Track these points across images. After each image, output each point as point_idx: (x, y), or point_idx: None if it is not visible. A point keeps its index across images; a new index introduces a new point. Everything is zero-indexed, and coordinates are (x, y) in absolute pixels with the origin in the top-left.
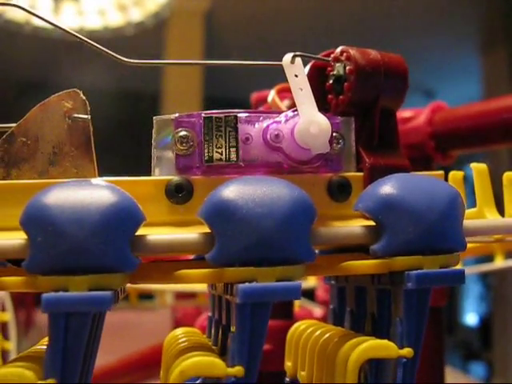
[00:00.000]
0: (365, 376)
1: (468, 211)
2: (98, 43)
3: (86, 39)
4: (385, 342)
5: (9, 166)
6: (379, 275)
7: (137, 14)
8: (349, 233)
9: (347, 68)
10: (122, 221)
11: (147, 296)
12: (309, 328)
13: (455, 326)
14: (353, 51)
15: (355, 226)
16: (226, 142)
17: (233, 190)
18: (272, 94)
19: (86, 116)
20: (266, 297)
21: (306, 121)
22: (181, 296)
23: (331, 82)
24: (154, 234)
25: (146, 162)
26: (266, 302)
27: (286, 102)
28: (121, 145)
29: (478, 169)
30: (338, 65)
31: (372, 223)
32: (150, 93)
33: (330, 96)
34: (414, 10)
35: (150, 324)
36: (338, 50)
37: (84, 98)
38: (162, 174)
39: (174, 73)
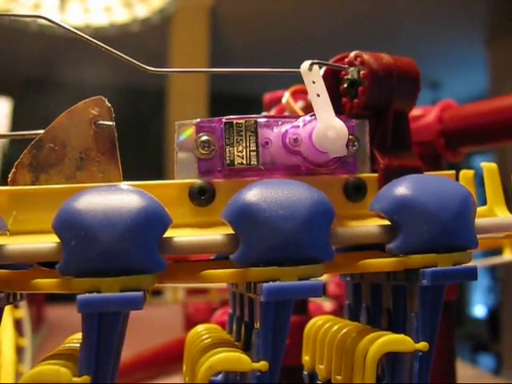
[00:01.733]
0: (382, 369)
1: (479, 209)
2: (104, 40)
3: (107, 47)
4: (401, 336)
5: (37, 171)
6: (394, 272)
7: (142, 11)
8: (366, 232)
9: (361, 72)
10: (151, 224)
11: (156, 292)
12: (326, 323)
13: (463, 318)
14: (366, 56)
15: (372, 226)
16: (246, 146)
17: (256, 193)
18: (286, 96)
19: (110, 123)
20: (289, 295)
21: (323, 126)
22: (192, 292)
23: (345, 85)
24: (179, 235)
25: (151, 158)
26: (289, 299)
27: (300, 104)
28: (126, 141)
29: (488, 168)
30: (352, 69)
31: (387, 223)
32: (155, 89)
33: (344, 99)
34: (419, 2)
35: (162, 320)
36: (352, 54)
37: (109, 105)
38: (185, 177)
39: (180, 68)
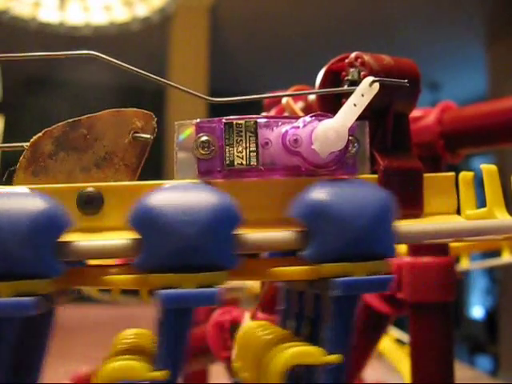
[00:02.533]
0: (298, 377)
1: (478, 211)
2: (104, 39)
3: (168, 82)
4: (311, 348)
5: (60, 147)
6: (314, 280)
7: (142, 10)
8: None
9: (362, 73)
10: (44, 228)
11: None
12: (255, 330)
13: (461, 320)
14: (367, 57)
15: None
16: (246, 147)
17: (159, 198)
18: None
19: (147, 136)
20: (186, 303)
21: (325, 128)
22: None
23: (346, 86)
24: None
25: (150, 157)
26: (188, 307)
27: (300, 104)
28: None
29: (488, 170)
30: (352, 70)
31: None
32: (154, 88)
33: (344, 100)
34: (418, 3)
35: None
36: (353, 55)
37: (156, 125)
38: (184, 177)
39: (180, 67)
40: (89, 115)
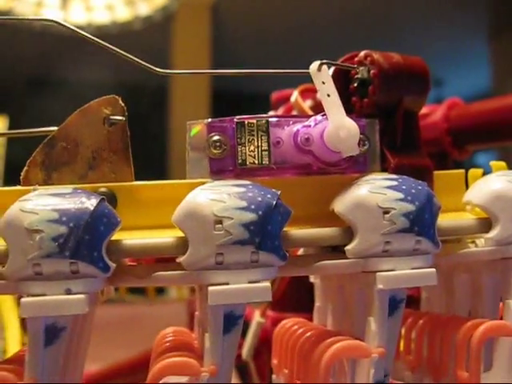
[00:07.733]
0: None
1: None
2: (106, 39)
3: (117, 49)
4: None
5: (49, 169)
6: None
7: (144, 9)
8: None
9: (371, 72)
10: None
11: (160, 290)
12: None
13: None
14: (376, 55)
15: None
16: (258, 146)
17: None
18: (295, 95)
19: (121, 117)
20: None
21: (335, 126)
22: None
23: (355, 84)
24: None
25: (153, 156)
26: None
27: (309, 102)
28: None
29: (498, 166)
30: (362, 68)
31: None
32: (157, 86)
33: (354, 98)
34: None
35: (166, 318)
36: (362, 53)
37: (123, 104)
38: (196, 177)
39: (182, 66)
40: (58, 127)
